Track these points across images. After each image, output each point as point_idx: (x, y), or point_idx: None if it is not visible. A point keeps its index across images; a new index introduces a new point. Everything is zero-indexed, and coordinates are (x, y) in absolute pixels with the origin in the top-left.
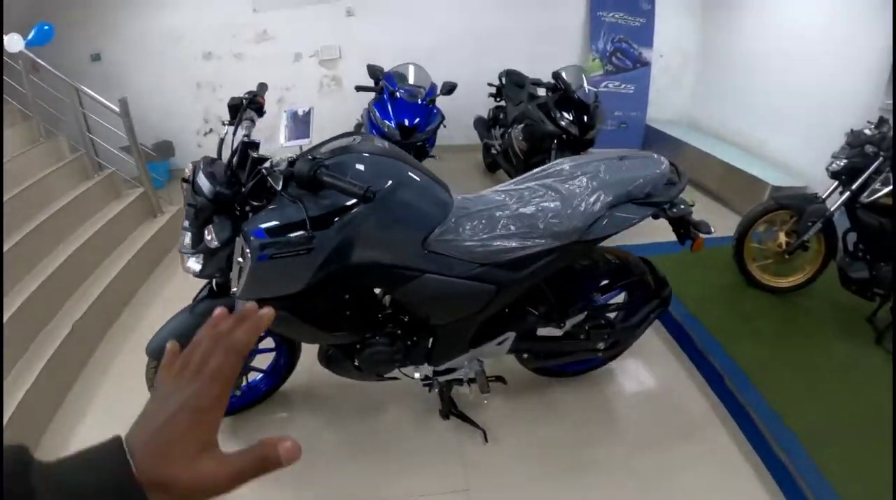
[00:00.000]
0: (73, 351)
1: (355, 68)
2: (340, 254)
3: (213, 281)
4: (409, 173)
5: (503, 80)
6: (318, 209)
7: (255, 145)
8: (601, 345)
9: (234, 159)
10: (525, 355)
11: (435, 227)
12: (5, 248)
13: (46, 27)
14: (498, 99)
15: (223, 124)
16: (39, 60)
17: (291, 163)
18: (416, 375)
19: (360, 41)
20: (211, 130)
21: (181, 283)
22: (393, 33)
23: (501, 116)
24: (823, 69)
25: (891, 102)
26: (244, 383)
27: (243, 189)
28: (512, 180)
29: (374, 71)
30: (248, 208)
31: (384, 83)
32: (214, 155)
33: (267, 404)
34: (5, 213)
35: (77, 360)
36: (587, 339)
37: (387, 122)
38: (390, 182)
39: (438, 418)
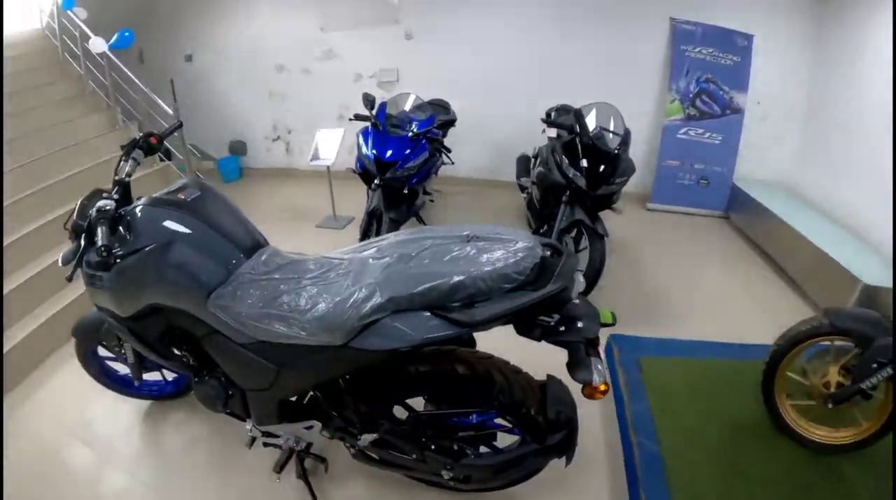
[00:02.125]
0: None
1: (413, 92)
2: (129, 292)
3: None
4: (190, 230)
5: (552, 115)
6: (122, 248)
7: (126, 186)
8: (445, 474)
9: (114, 193)
10: (351, 449)
11: (216, 287)
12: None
13: (127, 34)
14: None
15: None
16: (117, 61)
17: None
18: (247, 426)
19: (417, 66)
20: (279, 138)
21: None
22: (451, 60)
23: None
24: None
25: None
26: (162, 378)
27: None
28: (360, 244)
29: (368, 100)
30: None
31: (373, 113)
32: (284, 161)
33: (179, 402)
34: (81, 180)
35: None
36: (421, 460)
37: (366, 154)
38: (160, 236)
39: (271, 471)
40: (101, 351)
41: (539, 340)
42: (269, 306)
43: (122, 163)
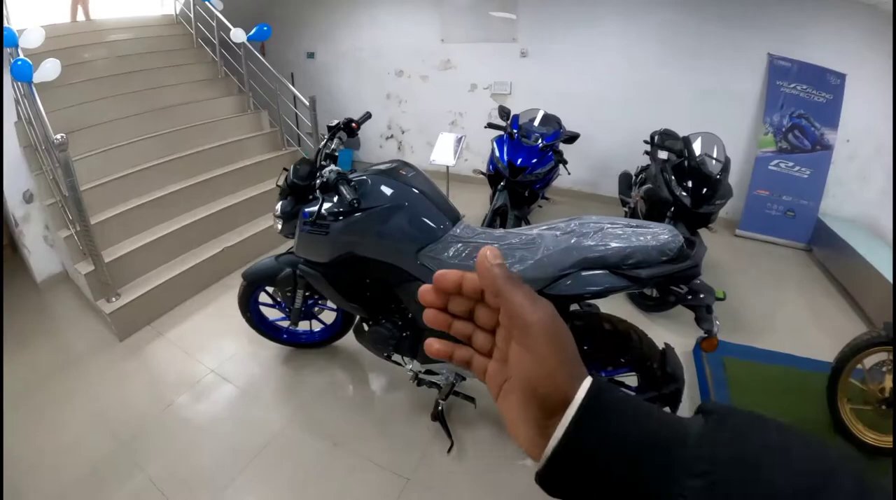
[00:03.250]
0: (215, 267)
1: (522, 105)
2: (347, 243)
3: None
4: (412, 196)
5: (656, 138)
6: (340, 207)
7: (335, 158)
8: None
9: (318, 163)
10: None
11: (427, 243)
12: (203, 179)
13: (266, 28)
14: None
15: (322, 136)
16: (257, 53)
17: (330, 172)
18: (408, 365)
19: (529, 81)
20: (391, 136)
21: None
22: (560, 78)
23: (643, 175)
24: None
25: None
26: (309, 328)
27: (313, 183)
28: (537, 224)
29: (504, 111)
30: (313, 196)
31: (508, 123)
32: (397, 156)
33: (321, 351)
34: (207, 156)
35: (213, 274)
36: None
37: (500, 158)
38: (393, 199)
39: (428, 418)
40: (260, 298)
41: (674, 305)
42: (470, 259)
43: (327, 141)
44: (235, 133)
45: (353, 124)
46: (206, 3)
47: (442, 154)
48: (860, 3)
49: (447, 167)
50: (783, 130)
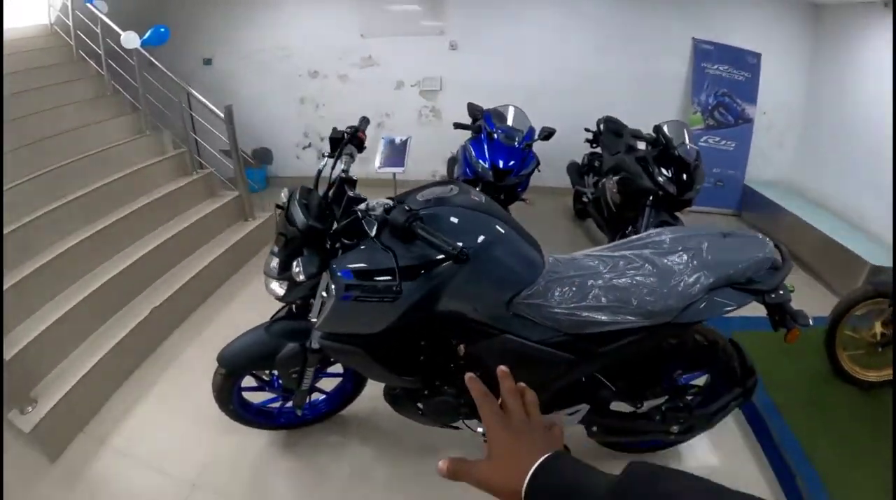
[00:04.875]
0: (144, 336)
1: (454, 101)
2: (423, 305)
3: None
4: (503, 232)
5: (601, 126)
6: (408, 259)
7: (353, 182)
8: (675, 428)
9: (330, 193)
10: (594, 429)
11: (523, 288)
12: (103, 225)
13: (163, 29)
14: (594, 145)
15: (323, 155)
16: (154, 60)
17: (388, 210)
18: (479, 429)
19: (460, 75)
20: (310, 145)
21: (259, 289)
22: (493, 70)
23: (596, 163)
24: None
25: None
26: (307, 401)
27: (335, 225)
28: (607, 245)
29: (473, 109)
30: (337, 245)
31: (482, 123)
32: (315, 169)
33: (325, 426)
34: (104, 194)
35: (146, 346)
36: (662, 421)
37: (481, 162)
38: (483, 239)
39: None
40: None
41: (766, 304)
42: (584, 300)
43: (336, 160)
44: (134, 161)
45: (360, 133)
46: (89, 4)
47: (388, 161)
48: None
49: (394, 175)
50: (709, 108)
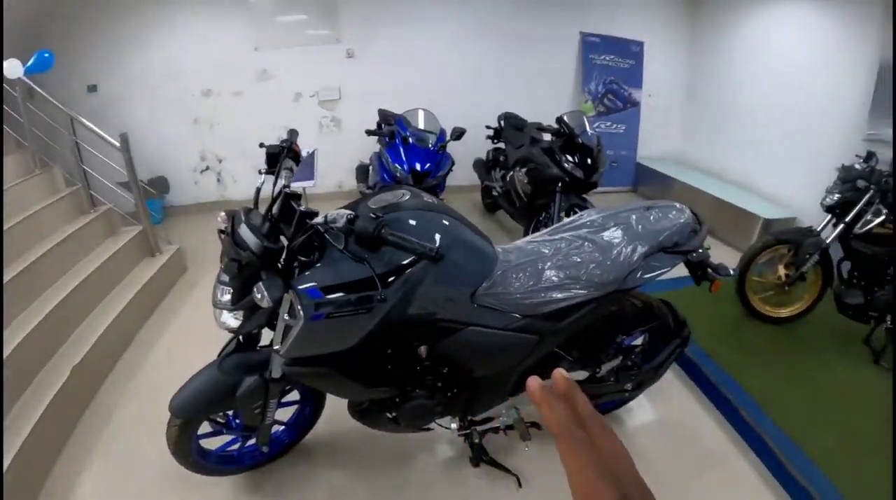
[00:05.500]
0: (73, 397)
1: (354, 110)
2: (398, 311)
3: (241, 336)
4: (460, 229)
5: (502, 122)
6: (380, 267)
7: (298, 197)
8: (628, 386)
9: (275, 210)
10: None
11: (483, 280)
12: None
13: (47, 55)
14: (496, 141)
15: (259, 173)
16: (37, 88)
17: (351, 220)
18: (453, 425)
19: (359, 83)
20: (207, 168)
21: (183, 325)
22: (392, 76)
23: (501, 158)
24: (807, 105)
25: (873, 132)
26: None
27: (290, 244)
28: (545, 231)
29: (384, 115)
30: (294, 264)
31: (395, 128)
32: (215, 193)
33: (289, 458)
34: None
35: (77, 407)
36: (616, 381)
37: (398, 166)
38: (444, 238)
39: (468, 466)
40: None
41: (689, 263)
42: (541, 281)
43: (277, 176)
44: (27, 204)
45: (294, 146)
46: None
47: (297, 176)
48: None
49: (304, 190)
50: (599, 96)
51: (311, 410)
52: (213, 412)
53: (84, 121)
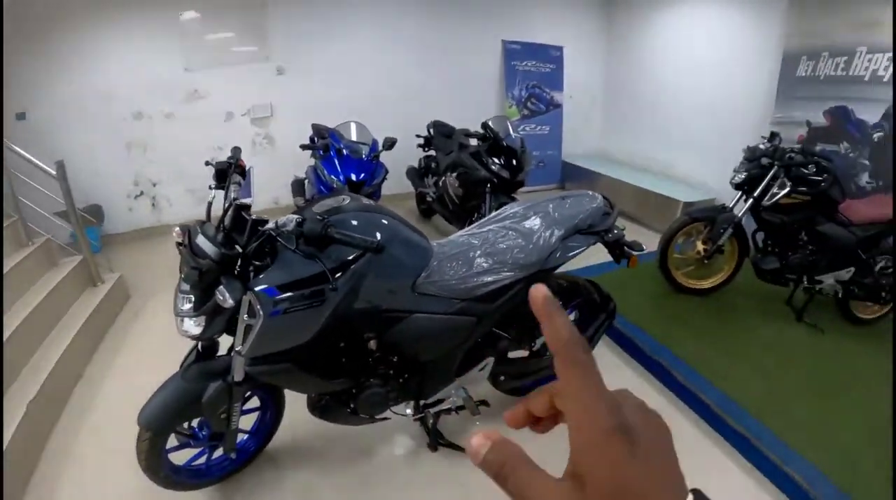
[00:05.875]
0: (31, 435)
1: (287, 126)
2: (345, 303)
3: (199, 345)
4: (397, 226)
5: (431, 130)
6: (328, 264)
7: (248, 208)
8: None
9: (226, 222)
10: (501, 378)
11: (421, 271)
12: None
13: None
14: (427, 149)
15: (210, 188)
16: None
17: (300, 223)
18: (408, 411)
19: (291, 99)
20: (142, 193)
21: (132, 353)
22: (323, 91)
23: (433, 165)
24: (719, 94)
25: (780, 114)
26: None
27: (245, 250)
28: (474, 225)
29: (318, 129)
30: (250, 268)
31: (329, 141)
32: (151, 219)
33: (256, 465)
34: None
35: (36, 444)
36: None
37: (335, 178)
38: (383, 234)
39: (427, 451)
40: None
41: (605, 243)
42: (473, 268)
43: (227, 190)
44: None
45: (240, 162)
46: None
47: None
48: None
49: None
50: (522, 100)
51: (271, 415)
52: (181, 421)
53: (19, 150)
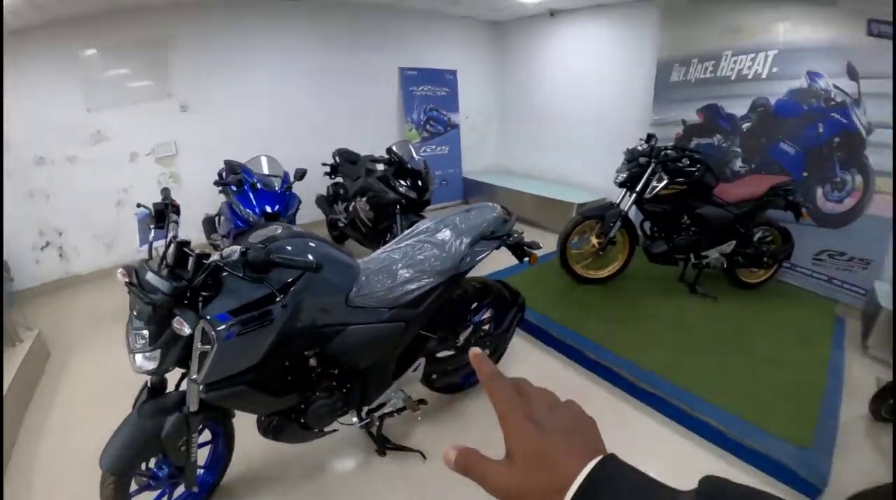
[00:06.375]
0: None
1: (193, 164)
2: (289, 322)
3: (150, 382)
4: (327, 249)
5: (337, 158)
6: (271, 286)
7: (188, 243)
8: (486, 352)
9: (169, 258)
10: (434, 376)
11: (352, 286)
12: None
13: None
14: (334, 176)
15: (150, 228)
16: None
17: (244, 253)
18: (354, 419)
19: (196, 136)
20: (48, 244)
21: (64, 411)
22: (228, 126)
23: (341, 191)
24: (603, 103)
25: (658, 117)
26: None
27: (192, 283)
28: (391, 243)
29: (231, 165)
30: (199, 299)
31: (242, 176)
32: (59, 270)
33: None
34: None
35: None
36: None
37: (250, 211)
38: (316, 256)
39: (377, 457)
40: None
41: (507, 246)
42: (397, 279)
43: (167, 229)
44: None
45: (173, 201)
46: None
47: (147, 236)
48: (457, 17)
49: (156, 249)
50: (422, 123)
51: (223, 444)
52: (143, 460)
53: None
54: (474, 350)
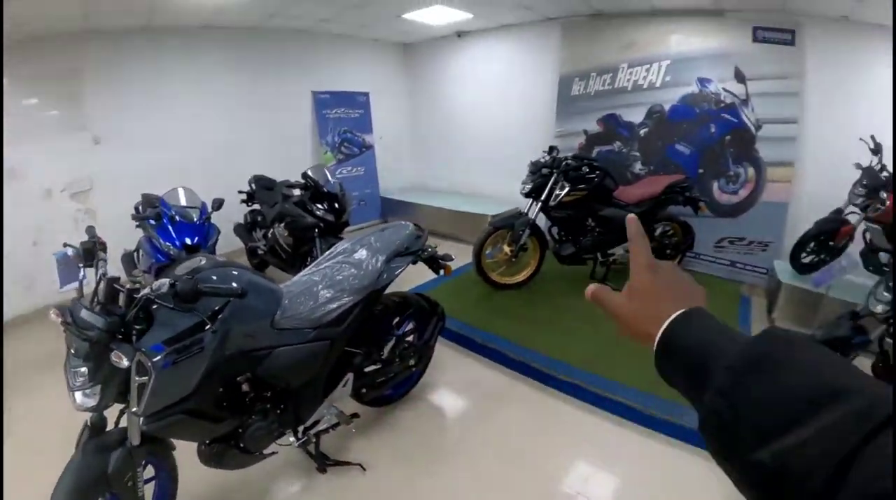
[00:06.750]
0: None
1: (109, 198)
2: (219, 348)
3: (90, 422)
4: (250, 276)
5: (253, 185)
6: (201, 315)
7: (118, 280)
8: (412, 361)
9: (100, 295)
10: (363, 390)
11: (276, 310)
12: None
13: None
14: (251, 203)
15: (79, 267)
16: None
17: (173, 284)
18: (291, 439)
19: (111, 169)
20: None
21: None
22: (143, 158)
23: (259, 218)
24: (510, 118)
25: (560, 129)
26: None
27: (126, 317)
28: (311, 266)
29: (148, 199)
30: (132, 333)
31: (160, 209)
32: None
33: None
34: None
35: None
36: (402, 360)
37: (170, 244)
38: (240, 284)
39: (318, 475)
40: None
41: (423, 260)
42: (318, 300)
43: (96, 267)
44: None
45: (100, 240)
46: None
47: (70, 277)
48: (369, 39)
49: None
50: (336, 145)
51: (167, 478)
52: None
53: None
54: (631, 217)
